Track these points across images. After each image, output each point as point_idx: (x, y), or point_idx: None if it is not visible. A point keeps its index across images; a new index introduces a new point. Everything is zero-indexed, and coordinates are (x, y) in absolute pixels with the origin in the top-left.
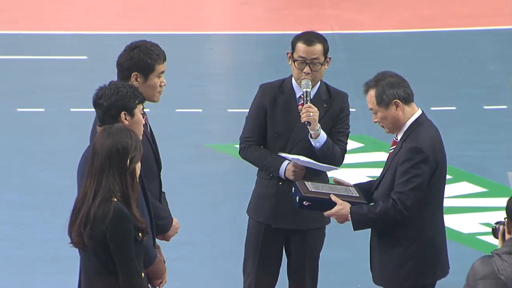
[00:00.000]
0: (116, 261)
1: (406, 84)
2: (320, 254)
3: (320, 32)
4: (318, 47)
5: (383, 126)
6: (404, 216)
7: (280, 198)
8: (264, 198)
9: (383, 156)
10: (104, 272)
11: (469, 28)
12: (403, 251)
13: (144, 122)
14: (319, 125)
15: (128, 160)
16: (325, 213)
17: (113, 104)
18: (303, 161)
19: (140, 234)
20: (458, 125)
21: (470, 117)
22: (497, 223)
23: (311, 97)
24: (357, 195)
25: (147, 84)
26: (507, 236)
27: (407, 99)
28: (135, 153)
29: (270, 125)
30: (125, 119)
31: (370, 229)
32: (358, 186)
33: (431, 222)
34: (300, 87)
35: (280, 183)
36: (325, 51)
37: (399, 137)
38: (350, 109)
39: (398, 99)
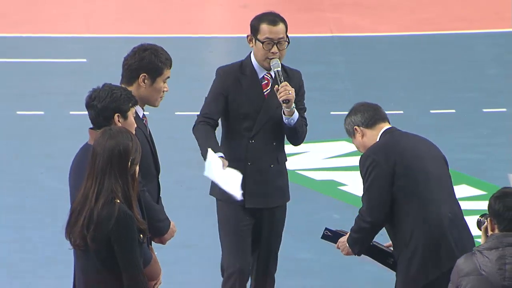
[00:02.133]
0: (121, 262)
1: (368, 109)
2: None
3: (319, 35)
4: (282, 26)
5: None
6: (368, 221)
7: (251, 178)
8: None
9: None
10: (105, 273)
11: (468, 31)
12: (399, 258)
13: (144, 124)
14: (294, 106)
15: (129, 162)
16: (336, 245)
17: (107, 106)
18: None
19: (141, 235)
20: (457, 128)
21: (469, 120)
22: (482, 215)
23: (273, 77)
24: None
25: (153, 87)
26: (489, 233)
27: (368, 123)
28: (136, 154)
29: (235, 107)
30: (118, 121)
31: None
32: None
33: (417, 221)
34: (268, 66)
35: (249, 163)
36: (286, 29)
37: None
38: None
39: (357, 126)
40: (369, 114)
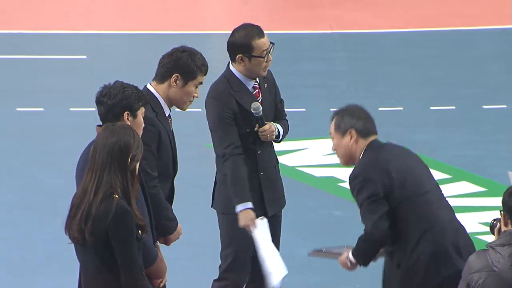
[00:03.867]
0: (118, 258)
1: (368, 119)
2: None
3: (319, 32)
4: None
5: (338, 157)
6: (376, 238)
7: (265, 187)
8: (250, 191)
9: None
10: (104, 269)
11: (469, 28)
12: (397, 267)
13: (169, 124)
14: (276, 129)
15: (130, 158)
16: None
17: (117, 103)
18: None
19: (139, 231)
20: (457, 125)
21: (469, 116)
22: (494, 219)
23: (258, 82)
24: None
25: (184, 90)
26: (503, 229)
27: (364, 133)
28: (137, 151)
29: (240, 125)
30: (127, 119)
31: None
32: None
33: (418, 229)
34: (263, 75)
35: (262, 173)
36: None
37: None
38: None
39: (355, 130)
40: (369, 124)
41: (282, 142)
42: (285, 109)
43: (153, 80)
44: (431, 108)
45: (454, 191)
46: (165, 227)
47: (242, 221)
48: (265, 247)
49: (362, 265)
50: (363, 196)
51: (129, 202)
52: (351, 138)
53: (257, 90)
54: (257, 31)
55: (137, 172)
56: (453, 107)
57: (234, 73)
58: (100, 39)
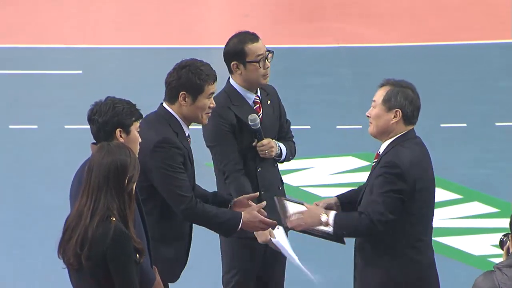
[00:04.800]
0: (116, 282)
1: (418, 108)
2: None
3: (324, 45)
4: (261, 40)
5: (370, 123)
6: (376, 230)
7: (268, 208)
8: None
9: None
10: None
11: (478, 42)
12: (385, 278)
13: (188, 143)
14: (278, 147)
15: (126, 179)
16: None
17: (108, 120)
18: (281, 246)
19: (137, 255)
20: (468, 143)
21: (481, 134)
22: (505, 235)
23: (260, 97)
24: (330, 231)
25: (195, 106)
26: (511, 250)
27: (409, 119)
28: (134, 172)
29: (240, 141)
30: (120, 136)
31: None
32: (340, 199)
33: (413, 244)
34: (264, 83)
35: (263, 192)
36: None
37: (381, 150)
38: (356, 126)
39: (402, 111)
40: (416, 113)
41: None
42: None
43: (163, 100)
44: (442, 125)
45: (466, 212)
46: (227, 230)
47: (261, 238)
48: (291, 252)
49: (334, 234)
50: (391, 188)
51: (126, 225)
52: (393, 117)
53: (258, 105)
54: (250, 36)
55: (134, 193)
56: (464, 124)
57: (234, 86)
58: (96, 53)
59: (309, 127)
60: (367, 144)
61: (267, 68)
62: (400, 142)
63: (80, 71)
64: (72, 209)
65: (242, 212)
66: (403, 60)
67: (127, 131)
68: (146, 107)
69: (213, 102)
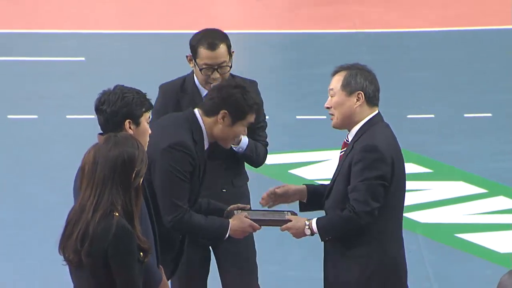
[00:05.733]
0: (118, 280)
1: (378, 87)
2: None
3: (343, 31)
4: (223, 48)
5: (332, 115)
6: (360, 223)
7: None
8: None
9: (411, 168)
10: None
11: (505, 27)
12: (362, 269)
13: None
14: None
15: (134, 173)
16: (281, 228)
17: (117, 110)
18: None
19: (141, 254)
20: (493, 134)
21: (507, 125)
22: None
23: None
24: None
25: (231, 129)
26: None
27: (372, 100)
28: (141, 166)
29: None
30: (130, 128)
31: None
32: (308, 191)
33: (390, 233)
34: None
35: (224, 190)
36: (229, 48)
37: (350, 138)
38: None
39: (364, 93)
40: (378, 93)
41: (300, 153)
42: (304, 116)
43: (199, 108)
44: (465, 115)
45: (491, 207)
46: (215, 239)
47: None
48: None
49: (323, 240)
50: (373, 174)
51: (132, 222)
52: (357, 101)
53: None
54: (209, 41)
55: (141, 189)
56: (489, 114)
57: (194, 74)
58: (100, 39)
59: (324, 117)
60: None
61: (214, 78)
62: (369, 127)
63: (83, 58)
64: (75, 204)
65: (230, 220)
66: (427, 46)
67: (136, 122)
68: (155, 96)
69: (246, 131)
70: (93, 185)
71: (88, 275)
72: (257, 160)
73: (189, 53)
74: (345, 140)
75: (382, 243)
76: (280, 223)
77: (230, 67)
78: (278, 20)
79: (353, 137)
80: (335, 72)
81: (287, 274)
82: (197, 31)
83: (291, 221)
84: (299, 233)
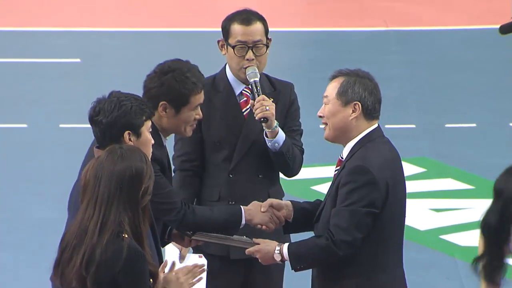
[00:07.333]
0: None
1: (379, 99)
2: None
3: (370, 29)
4: (259, 25)
5: (325, 124)
6: (338, 254)
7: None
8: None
9: (449, 184)
10: None
11: None
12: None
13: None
14: (276, 121)
15: (142, 191)
16: (247, 251)
17: (114, 121)
18: None
19: (151, 279)
20: None
21: None
22: None
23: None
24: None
25: (178, 118)
26: None
27: (371, 113)
28: (149, 182)
29: (208, 134)
30: (129, 140)
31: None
32: (295, 207)
33: (385, 266)
34: (245, 78)
35: (231, 203)
36: (266, 31)
37: (344, 155)
38: (409, 126)
39: (361, 104)
40: (378, 106)
41: (320, 167)
42: None
43: None
44: (511, 124)
45: None
46: (229, 229)
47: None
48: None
49: (293, 269)
50: (360, 199)
51: (141, 245)
52: (352, 112)
53: (245, 98)
54: (244, 16)
55: (148, 208)
56: None
57: (226, 71)
58: (97, 39)
59: None
60: (422, 148)
61: (249, 59)
62: (365, 144)
63: (79, 59)
64: (69, 223)
65: (242, 206)
66: (464, 45)
67: (137, 133)
68: None
69: (200, 113)
70: (95, 204)
71: None
72: (292, 165)
73: (200, 51)
74: (340, 157)
75: (372, 278)
76: (247, 245)
77: (267, 47)
78: (297, 16)
79: (347, 154)
80: (333, 77)
81: None
82: (201, 29)
83: (258, 244)
84: (267, 259)
